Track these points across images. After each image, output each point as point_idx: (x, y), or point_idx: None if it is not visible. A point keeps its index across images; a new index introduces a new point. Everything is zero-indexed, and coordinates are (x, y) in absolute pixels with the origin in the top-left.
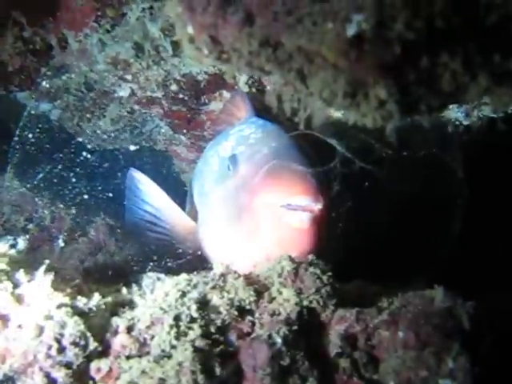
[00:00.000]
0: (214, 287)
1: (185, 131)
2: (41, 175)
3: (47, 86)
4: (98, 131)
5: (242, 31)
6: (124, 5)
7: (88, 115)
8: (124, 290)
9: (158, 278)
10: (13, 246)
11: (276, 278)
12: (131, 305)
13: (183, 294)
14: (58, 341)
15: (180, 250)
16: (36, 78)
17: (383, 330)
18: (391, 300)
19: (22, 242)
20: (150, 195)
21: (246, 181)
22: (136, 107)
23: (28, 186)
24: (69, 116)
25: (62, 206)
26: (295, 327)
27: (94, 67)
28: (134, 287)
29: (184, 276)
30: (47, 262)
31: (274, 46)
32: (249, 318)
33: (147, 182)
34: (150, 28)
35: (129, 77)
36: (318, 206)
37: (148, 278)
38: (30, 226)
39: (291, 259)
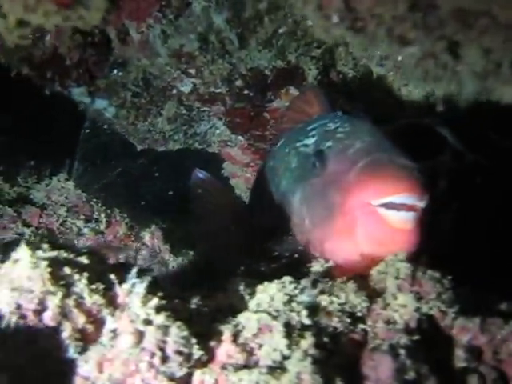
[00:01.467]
0: (322, 291)
1: (244, 131)
2: (99, 178)
3: (104, 81)
4: (153, 131)
5: None
6: None
7: (144, 113)
8: (220, 295)
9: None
10: None
11: (391, 282)
12: (231, 310)
13: (291, 299)
14: (162, 349)
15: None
16: (94, 72)
17: None
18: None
19: None
20: (217, 196)
21: (338, 178)
22: (196, 104)
23: (84, 188)
24: (124, 114)
25: (117, 209)
26: (416, 337)
27: (155, 61)
28: (231, 291)
29: (288, 278)
30: (138, 265)
31: (425, 10)
32: (361, 325)
33: (214, 183)
34: (216, 19)
35: (192, 71)
36: (422, 205)
37: (241, 282)
38: (85, 230)
39: (407, 261)
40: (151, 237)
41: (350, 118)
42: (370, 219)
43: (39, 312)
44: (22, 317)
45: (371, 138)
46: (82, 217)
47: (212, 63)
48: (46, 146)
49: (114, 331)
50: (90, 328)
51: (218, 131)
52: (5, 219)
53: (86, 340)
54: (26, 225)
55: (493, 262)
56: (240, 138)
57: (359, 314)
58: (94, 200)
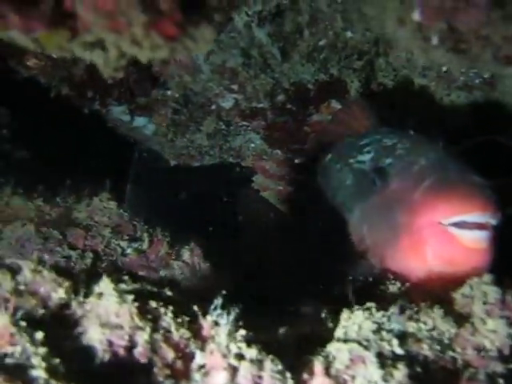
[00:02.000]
0: (410, 317)
1: (283, 145)
2: (141, 198)
3: (145, 99)
4: (191, 147)
5: (493, 14)
6: (234, 8)
7: (183, 129)
8: (300, 321)
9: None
10: None
11: (478, 306)
12: (315, 339)
13: (380, 327)
14: None
15: None
16: (135, 90)
17: None
18: None
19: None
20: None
21: (403, 196)
22: (236, 120)
23: (125, 207)
24: (163, 130)
25: (159, 228)
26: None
27: (198, 77)
28: (309, 318)
29: (374, 305)
30: (223, 292)
31: None
32: (450, 353)
33: (263, 201)
34: (258, 33)
35: (235, 86)
36: (494, 222)
37: (320, 307)
38: (129, 250)
39: (494, 283)
40: (191, 254)
41: (408, 135)
42: (441, 239)
43: (130, 348)
44: (114, 354)
45: (435, 155)
46: (126, 237)
47: (255, 78)
48: (83, 165)
49: (203, 366)
50: (179, 363)
51: (252, 145)
52: (50, 242)
53: (175, 376)
54: (72, 247)
55: None
56: (277, 151)
57: (447, 341)
58: (137, 219)
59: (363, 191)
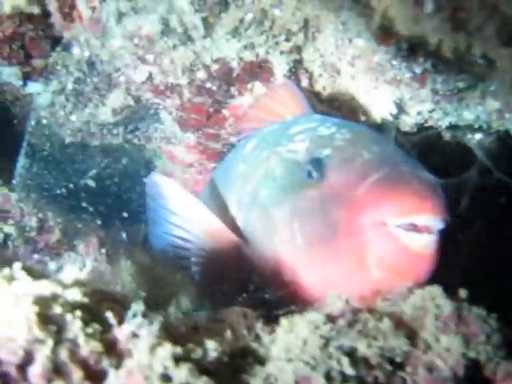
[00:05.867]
0: (360, 332)
1: (197, 128)
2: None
3: (42, 61)
4: (92, 123)
5: None
6: None
7: (85, 102)
8: (228, 334)
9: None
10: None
11: (431, 321)
12: (253, 356)
13: (327, 343)
14: None
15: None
16: (31, 50)
17: None
18: None
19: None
20: (180, 205)
21: (343, 191)
22: (148, 96)
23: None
24: (62, 102)
25: (50, 213)
26: None
27: (107, 42)
28: (243, 331)
29: (320, 317)
30: (143, 295)
31: None
32: (399, 373)
33: (175, 189)
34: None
35: (150, 57)
36: (442, 226)
37: (253, 316)
38: (13, 236)
39: (447, 296)
40: (86, 245)
41: (348, 124)
42: (385, 241)
43: (23, 367)
44: (2, 376)
45: (380, 148)
46: (11, 222)
47: (173, 50)
48: None
49: None
50: None
51: (161, 126)
52: None
53: None
54: None
55: None
56: (190, 135)
57: (398, 360)
58: (25, 201)
59: (295, 183)
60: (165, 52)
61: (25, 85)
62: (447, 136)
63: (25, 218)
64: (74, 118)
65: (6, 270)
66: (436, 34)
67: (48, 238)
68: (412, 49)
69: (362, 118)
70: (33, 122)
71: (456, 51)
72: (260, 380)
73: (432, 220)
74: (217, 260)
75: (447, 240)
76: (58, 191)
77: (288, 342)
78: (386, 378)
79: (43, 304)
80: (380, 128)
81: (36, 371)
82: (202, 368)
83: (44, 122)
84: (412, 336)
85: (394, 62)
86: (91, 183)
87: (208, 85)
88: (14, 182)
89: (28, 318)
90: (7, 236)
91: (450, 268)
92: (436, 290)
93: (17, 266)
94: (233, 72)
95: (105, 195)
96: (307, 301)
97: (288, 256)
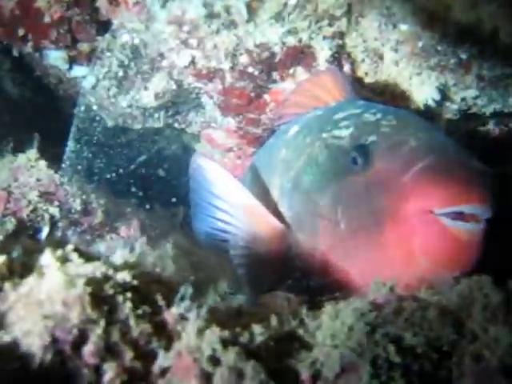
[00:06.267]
0: (406, 320)
1: (238, 113)
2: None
3: (88, 45)
4: (135, 106)
5: None
6: None
7: (128, 85)
8: (274, 320)
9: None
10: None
11: (479, 311)
12: (299, 341)
13: (373, 330)
14: None
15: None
16: (78, 34)
17: None
18: None
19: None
20: (224, 188)
21: (389, 178)
22: (190, 80)
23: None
24: (105, 84)
25: (93, 195)
26: None
27: (151, 26)
28: (288, 316)
29: (365, 304)
30: (191, 279)
31: None
32: (445, 362)
33: (219, 172)
34: None
35: (193, 41)
36: (489, 216)
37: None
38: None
39: (495, 286)
40: (127, 227)
41: (393, 110)
42: (431, 230)
43: (78, 346)
44: (59, 353)
45: (427, 135)
46: (56, 203)
47: (216, 34)
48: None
49: (168, 370)
50: (139, 365)
51: (202, 110)
52: None
53: (134, 381)
54: None
55: None
56: (230, 119)
57: (445, 349)
58: (69, 183)
59: (340, 170)
60: (208, 36)
61: (70, 68)
62: (492, 123)
63: (69, 199)
64: (117, 101)
65: (59, 251)
66: (492, 20)
67: (91, 219)
68: (459, 34)
69: (405, 105)
70: (81, 107)
71: None
72: (306, 365)
73: (479, 209)
74: (259, 245)
75: (495, 229)
76: (108, 176)
77: (334, 328)
78: (431, 367)
79: (96, 285)
80: (425, 115)
81: (89, 350)
82: (249, 352)
83: (91, 106)
84: (459, 326)
85: (439, 48)
86: (140, 168)
87: (250, 69)
88: (63, 165)
89: (82, 298)
90: (52, 217)
91: (498, 257)
92: (484, 280)
93: (69, 247)
94: (275, 57)
95: (150, 179)
96: (351, 288)
97: (332, 243)
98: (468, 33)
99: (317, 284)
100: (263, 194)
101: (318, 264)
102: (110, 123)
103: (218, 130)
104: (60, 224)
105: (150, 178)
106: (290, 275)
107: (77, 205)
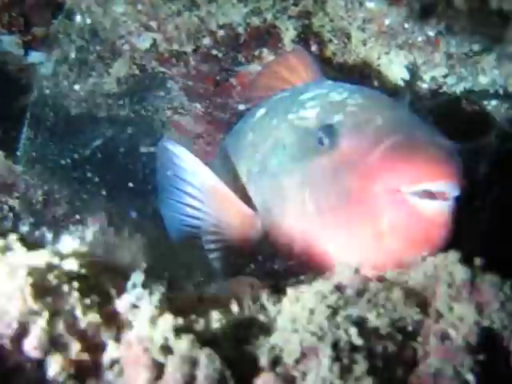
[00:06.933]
0: (369, 301)
1: (204, 98)
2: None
3: (43, 29)
4: (97, 93)
5: None
6: None
7: (89, 71)
8: (234, 307)
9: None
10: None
11: (444, 289)
12: (257, 326)
13: (335, 312)
14: None
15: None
16: (32, 18)
17: None
18: None
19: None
20: (192, 174)
21: (356, 158)
22: (153, 64)
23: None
24: (65, 71)
25: (56, 186)
26: (481, 357)
27: (109, 8)
28: (248, 301)
29: (327, 286)
30: (144, 266)
31: None
32: (410, 343)
33: (187, 157)
34: None
35: (154, 24)
36: (458, 193)
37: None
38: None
39: (461, 264)
40: (94, 218)
41: (360, 89)
42: (399, 208)
43: (19, 339)
44: None
45: (394, 114)
46: (16, 194)
47: (177, 15)
48: None
49: (118, 362)
50: (86, 357)
51: (169, 96)
52: None
53: (81, 374)
54: None
55: None
56: (197, 105)
57: (409, 329)
58: (30, 174)
59: (306, 151)
60: (169, 18)
61: (26, 54)
62: (463, 101)
63: (30, 190)
64: (77, 87)
65: (1, 241)
66: None
67: (55, 210)
68: (424, 10)
69: (374, 84)
70: (35, 93)
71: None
72: (265, 351)
73: (447, 186)
74: (228, 230)
75: (463, 207)
76: (63, 162)
77: (294, 313)
78: (396, 349)
79: (38, 275)
80: (393, 94)
81: (31, 343)
82: (204, 339)
83: (47, 92)
84: (423, 305)
85: (406, 25)
86: (97, 154)
87: (214, 52)
88: (17, 153)
89: (22, 289)
90: (11, 209)
91: (467, 235)
92: (449, 258)
93: (12, 236)
94: (239, 38)
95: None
96: (319, 270)
97: (299, 225)
98: (432, 8)
99: (285, 267)
100: (231, 179)
101: (286, 247)
102: (73, 111)
103: (185, 115)
104: (20, 216)
105: (112, 165)
106: (257, 258)
107: (38, 196)
